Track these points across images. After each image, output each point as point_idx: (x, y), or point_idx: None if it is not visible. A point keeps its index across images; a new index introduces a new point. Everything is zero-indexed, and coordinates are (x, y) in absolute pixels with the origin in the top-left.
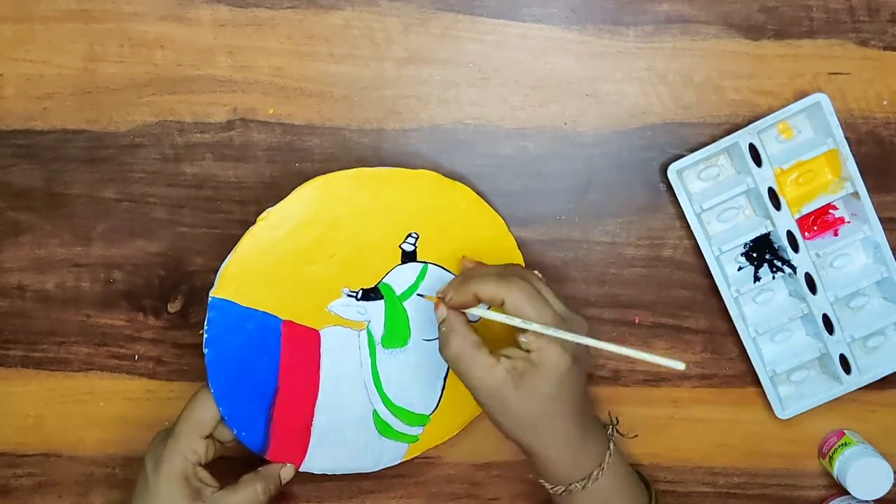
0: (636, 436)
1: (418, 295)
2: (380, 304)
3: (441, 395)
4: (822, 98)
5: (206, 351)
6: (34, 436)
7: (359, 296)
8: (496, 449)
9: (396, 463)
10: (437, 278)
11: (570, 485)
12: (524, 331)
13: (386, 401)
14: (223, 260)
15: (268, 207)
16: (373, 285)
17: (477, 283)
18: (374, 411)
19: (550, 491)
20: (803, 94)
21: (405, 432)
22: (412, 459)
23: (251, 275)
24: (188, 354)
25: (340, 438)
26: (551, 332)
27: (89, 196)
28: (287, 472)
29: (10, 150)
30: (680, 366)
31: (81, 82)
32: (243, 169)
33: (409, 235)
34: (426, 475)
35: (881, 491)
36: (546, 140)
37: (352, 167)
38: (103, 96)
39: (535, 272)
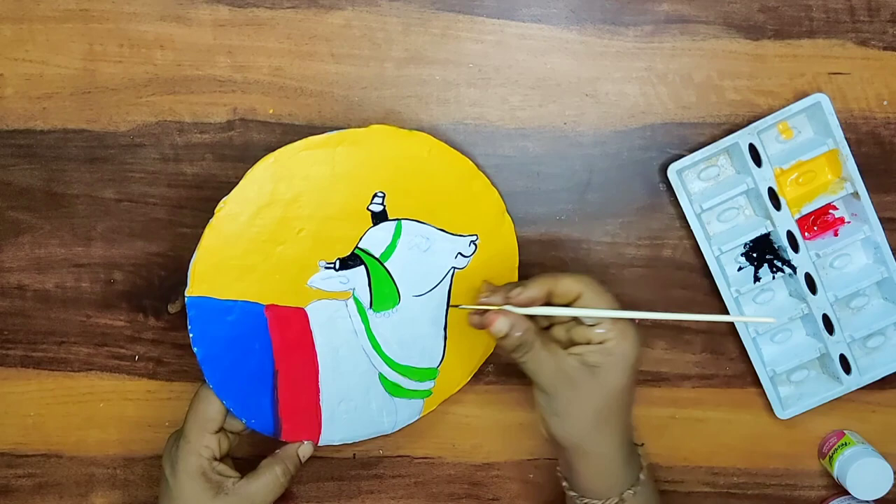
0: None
1: (453, 306)
2: (360, 269)
3: (444, 346)
4: (822, 98)
5: (195, 350)
6: (34, 436)
7: (337, 266)
8: (496, 449)
9: (415, 420)
10: (414, 233)
11: (605, 500)
12: (592, 325)
13: (389, 362)
14: None
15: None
16: (349, 253)
17: (548, 279)
18: (380, 374)
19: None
20: (803, 94)
21: (416, 388)
22: (412, 459)
23: (222, 267)
24: (188, 355)
25: (352, 407)
26: (636, 314)
27: (89, 196)
28: (305, 449)
29: (10, 150)
30: (770, 320)
31: (81, 82)
32: (243, 169)
33: (375, 195)
34: (426, 475)
35: (881, 491)
36: (546, 140)
37: None
38: (103, 96)
39: None
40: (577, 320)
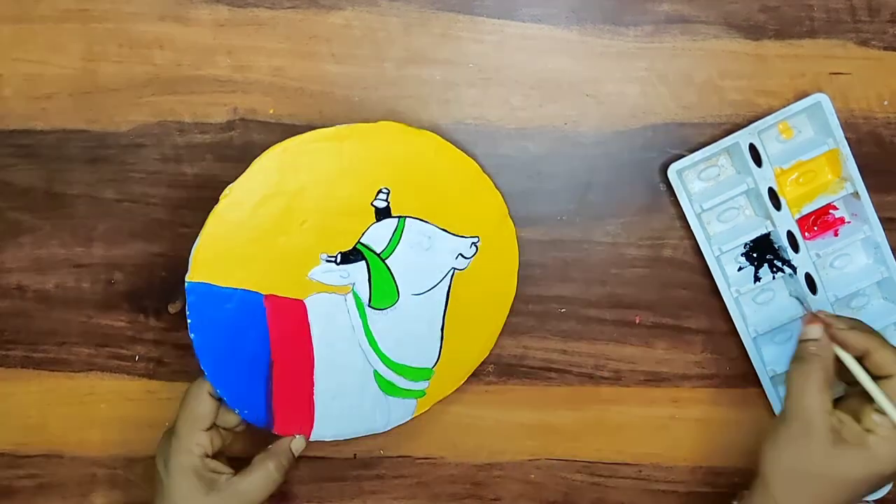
0: None
1: (798, 299)
2: (361, 265)
3: (441, 347)
4: (822, 98)
5: (192, 336)
6: (35, 436)
7: (338, 260)
8: (498, 449)
9: (408, 420)
10: (416, 231)
11: None
12: (877, 409)
13: (385, 359)
14: None
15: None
16: (351, 247)
17: (872, 340)
18: (375, 371)
19: None
20: (804, 94)
21: (410, 388)
22: (414, 459)
23: (224, 255)
24: (189, 355)
25: (346, 404)
26: None
27: (90, 196)
28: (297, 443)
29: (10, 150)
30: None
31: (81, 82)
32: (244, 169)
33: (380, 191)
34: (428, 475)
35: (881, 491)
36: (546, 140)
37: None
38: (103, 96)
39: None
40: (869, 395)
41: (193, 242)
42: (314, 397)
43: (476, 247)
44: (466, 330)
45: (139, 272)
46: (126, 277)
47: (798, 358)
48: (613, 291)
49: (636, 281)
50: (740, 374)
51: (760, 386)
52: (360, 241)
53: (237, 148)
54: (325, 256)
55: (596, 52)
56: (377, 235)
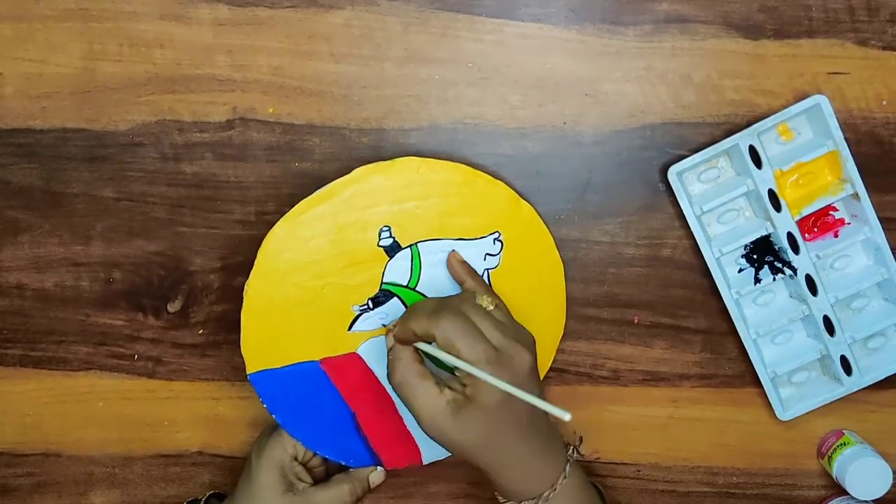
0: (598, 458)
1: (384, 325)
2: (394, 301)
3: None
4: (821, 100)
5: (275, 417)
6: (33, 435)
7: (370, 306)
8: None
9: None
10: (433, 250)
11: (520, 502)
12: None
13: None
14: (223, 260)
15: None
16: (377, 290)
17: (413, 319)
18: None
19: None
20: (803, 94)
21: None
22: None
23: (268, 340)
24: (188, 354)
25: None
26: (474, 371)
27: (88, 195)
28: (376, 476)
29: (9, 149)
30: (566, 416)
31: (81, 81)
32: (243, 168)
33: (381, 231)
34: (425, 475)
35: (880, 491)
36: (545, 139)
37: (351, 167)
38: (102, 95)
39: (483, 299)
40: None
41: (192, 241)
42: (408, 428)
43: (499, 241)
44: (531, 318)
45: (138, 271)
46: (125, 276)
47: (388, 372)
48: (612, 291)
49: (635, 280)
50: (738, 373)
51: (759, 385)
52: (384, 281)
53: (236, 147)
54: (357, 308)
55: (595, 51)
56: (397, 270)
